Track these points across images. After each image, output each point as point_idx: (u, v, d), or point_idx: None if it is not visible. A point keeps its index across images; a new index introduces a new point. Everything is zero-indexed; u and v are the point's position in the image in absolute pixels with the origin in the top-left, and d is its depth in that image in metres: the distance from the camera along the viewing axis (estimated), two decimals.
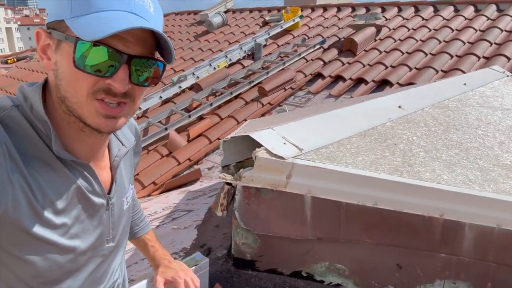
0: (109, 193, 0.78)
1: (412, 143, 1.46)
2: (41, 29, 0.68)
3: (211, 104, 4.32)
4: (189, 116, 4.20)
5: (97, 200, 0.74)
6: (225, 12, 8.32)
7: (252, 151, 1.18)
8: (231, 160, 1.29)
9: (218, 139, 4.15)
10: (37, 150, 0.66)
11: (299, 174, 1.16)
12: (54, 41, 0.67)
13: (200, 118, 4.33)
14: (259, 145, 1.18)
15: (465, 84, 2.34)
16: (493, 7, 5.40)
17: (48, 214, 0.65)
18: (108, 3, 0.64)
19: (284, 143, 1.20)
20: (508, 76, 2.59)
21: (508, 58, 4.06)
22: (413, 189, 1.19)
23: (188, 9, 9.62)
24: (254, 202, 1.20)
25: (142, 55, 0.67)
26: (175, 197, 3.04)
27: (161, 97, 4.78)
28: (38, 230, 0.64)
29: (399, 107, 1.73)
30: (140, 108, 4.68)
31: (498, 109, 2.05)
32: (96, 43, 0.63)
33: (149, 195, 3.46)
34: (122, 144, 0.83)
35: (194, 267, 1.12)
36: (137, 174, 3.70)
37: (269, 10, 7.93)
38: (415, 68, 4.36)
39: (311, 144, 1.25)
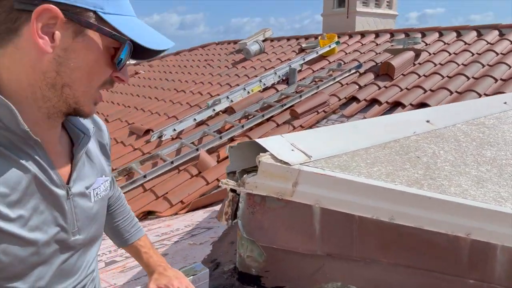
0: (68, 182, 0.75)
1: (438, 157, 1.34)
2: (54, 7, 0.60)
3: (242, 126, 4.33)
4: (220, 138, 4.23)
5: (55, 189, 0.70)
6: (263, 40, 8.51)
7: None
8: (237, 167, 1.24)
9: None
10: None
11: (306, 182, 1.09)
12: (72, 26, 0.63)
13: (231, 139, 4.34)
14: (266, 151, 1.12)
15: (505, 103, 2.17)
16: None
17: (2, 208, 0.62)
18: (129, 9, 0.70)
19: (292, 150, 1.14)
20: None
21: None
22: (435, 203, 1.08)
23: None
24: (259, 211, 1.14)
25: None
26: (199, 215, 3.01)
27: (195, 119, 4.89)
28: None
29: (427, 121, 1.62)
30: (174, 130, 4.79)
31: None
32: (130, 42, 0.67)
33: (176, 213, 3.46)
34: (83, 133, 0.80)
35: (192, 277, 1.06)
36: (166, 193, 3.74)
37: (306, 37, 8.01)
38: (456, 91, 4.16)
39: (322, 152, 1.18)
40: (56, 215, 0.71)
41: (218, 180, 3.80)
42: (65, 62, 0.64)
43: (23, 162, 0.65)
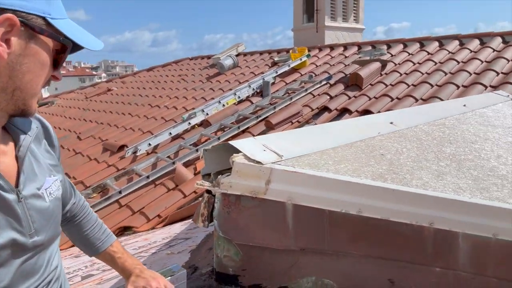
0: (17, 185, 0.74)
1: (400, 154, 1.42)
2: (11, 15, 0.62)
3: (218, 138, 4.37)
4: (197, 150, 4.25)
5: (4, 194, 0.70)
6: (237, 55, 8.63)
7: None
8: (212, 169, 1.28)
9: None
10: None
11: (278, 180, 1.14)
12: (25, 32, 0.65)
13: None
14: (239, 153, 1.17)
15: (464, 105, 2.31)
16: (499, 39, 5.43)
17: None
18: (64, 12, 0.73)
19: (264, 150, 1.20)
20: None
21: None
22: (398, 195, 1.15)
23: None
24: (234, 210, 1.18)
25: None
26: (177, 228, 3.00)
27: (170, 133, 4.88)
28: None
29: (391, 123, 1.71)
30: (149, 144, 4.77)
31: (499, 127, 2.00)
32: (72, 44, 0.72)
33: (153, 228, 3.43)
34: (25, 134, 0.80)
35: (170, 277, 1.08)
36: (142, 208, 3.70)
37: (278, 51, 8.19)
38: (421, 99, 4.35)
39: (292, 152, 1.24)
40: (10, 220, 0.70)
41: (195, 192, 3.80)
42: (17, 66, 0.66)
43: None
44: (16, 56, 0.65)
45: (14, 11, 0.63)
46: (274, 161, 1.15)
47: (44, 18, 0.68)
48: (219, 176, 1.15)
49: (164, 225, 3.39)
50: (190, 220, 3.27)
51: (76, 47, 0.74)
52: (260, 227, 1.19)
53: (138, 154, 4.69)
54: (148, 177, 4.00)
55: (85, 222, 1.04)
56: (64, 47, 0.72)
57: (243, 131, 4.63)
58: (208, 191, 1.20)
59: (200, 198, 1.10)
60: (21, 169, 0.75)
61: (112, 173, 4.44)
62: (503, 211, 1.16)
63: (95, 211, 1.15)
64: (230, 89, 6.25)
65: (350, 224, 1.18)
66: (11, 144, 0.77)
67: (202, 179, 1.24)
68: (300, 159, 1.22)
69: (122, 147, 4.97)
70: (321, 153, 1.29)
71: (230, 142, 1.21)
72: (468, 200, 1.17)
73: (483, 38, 5.65)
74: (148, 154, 4.77)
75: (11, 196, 0.71)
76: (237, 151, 1.18)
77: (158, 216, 3.56)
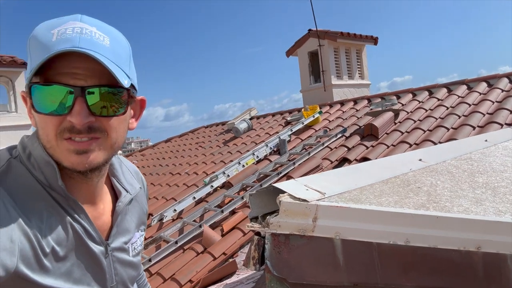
0: (107, 239, 0.79)
1: (436, 186, 1.47)
2: (22, 91, 0.72)
3: (242, 198, 4.42)
4: (222, 211, 4.28)
5: (94, 246, 0.74)
6: (250, 119, 8.95)
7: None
8: (258, 213, 1.34)
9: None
10: (39, 198, 0.68)
11: (324, 216, 1.19)
12: (29, 99, 0.69)
13: (233, 212, 4.39)
14: (283, 193, 1.24)
15: (486, 140, 2.37)
16: (505, 80, 5.59)
17: (52, 263, 0.66)
18: (56, 46, 0.65)
19: (307, 189, 1.26)
20: None
21: None
22: (443, 221, 1.18)
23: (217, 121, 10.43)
24: (284, 250, 1.21)
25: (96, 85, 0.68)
26: None
27: (194, 197, 4.95)
28: (44, 280, 0.65)
29: (420, 160, 1.78)
30: (175, 210, 4.83)
31: None
32: (47, 83, 0.66)
33: None
34: (127, 191, 0.85)
35: None
36: (173, 274, 3.66)
37: (290, 111, 8.48)
38: (440, 142, 4.41)
39: (333, 190, 1.30)
40: (96, 270, 0.74)
41: (224, 254, 3.77)
42: (36, 127, 0.72)
43: (67, 219, 0.70)
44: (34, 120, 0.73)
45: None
46: (318, 199, 1.22)
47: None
48: (267, 217, 1.21)
49: None
50: (223, 282, 3.22)
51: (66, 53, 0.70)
52: (311, 265, 1.21)
53: (164, 221, 4.73)
54: (176, 242, 4.00)
55: None
56: None
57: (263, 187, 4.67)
58: (257, 233, 1.25)
59: (247, 227, 1.16)
60: (114, 223, 0.81)
61: None
62: None
63: None
64: (248, 151, 6.41)
65: (399, 255, 1.20)
66: (111, 198, 0.83)
67: (250, 222, 1.30)
68: (342, 195, 1.28)
69: (148, 216, 5.03)
70: (360, 189, 1.35)
71: (273, 184, 1.28)
72: (510, 221, 1.19)
73: (490, 81, 5.82)
74: (173, 220, 4.81)
75: (100, 248, 0.76)
76: (281, 192, 1.25)
77: (190, 281, 3.51)
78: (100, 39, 0.68)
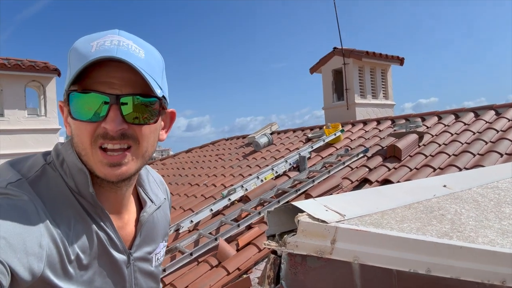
0: (130, 248, 0.80)
1: (460, 214, 1.42)
2: (60, 101, 0.76)
3: (259, 213, 4.39)
4: (238, 226, 4.26)
5: (117, 254, 0.76)
6: (271, 133, 8.96)
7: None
8: (276, 231, 1.33)
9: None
10: (68, 205, 0.70)
11: (343, 239, 1.17)
12: (66, 107, 0.74)
13: (249, 227, 4.36)
14: (302, 213, 1.23)
15: None
16: None
17: (76, 270, 0.67)
18: (94, 56, 0.68)
19: (326, 210, 1.24)
20: None
21: None
22: (466, 252, 1.14)
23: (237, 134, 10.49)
24: (301, 271, 1.19)
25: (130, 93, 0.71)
26: None
27: (211, 209, 4.96)
28: (67, 286, 0.66)
29: (444, 186, 1.73)
30: (191, 221, 4.84)
31: None
32: (85, 91, 0.69)
33: None
34: (152, 201, 0.87)
35: None
36: (186, 286, 3.65)
37: (311, 128, 8.45)
38: (465, 168, 4.28)
39: (353, 212, 1.27)
40: (117, 279, 0.75)
41: (239, 269, 3.74)
42: (71, 134, 0.74)
43: (93, 227, 0.72)
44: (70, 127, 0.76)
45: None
46: (337, 220, 1.20)
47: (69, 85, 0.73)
48: (285, 236, 1.19)
49: None
50: None
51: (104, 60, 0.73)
52: None
53: (180, 231, 4.75)
54: (191, 254, 4.00)
55: None
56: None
57: (282, 205, 4.64)
58: (273, 252, 1.23)
59: (265, 260, 1.14)
60: (138, 233, 0.82)
61: None
62: None
63: None
64: (267, 165, 6.40)
65: (420, 284, 1.16)
66: (136, 208, 0.85)
67: (267, 239, 1.29)
68: (362, 218, 1.25)
69: None
70: (382, 213, 1.32)
71: (292, 203, 1.27)
72: None
73: None
74: (190, 231, 4.82)
75: (122, 257, 0.77)
76: (300, 211, 1.24)
77: None
78: (136, 51, 0.71)
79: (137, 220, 0.86)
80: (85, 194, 0.72)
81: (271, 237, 1.32)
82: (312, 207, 1.24)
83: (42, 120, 9.08)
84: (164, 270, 3.85)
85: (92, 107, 0.69)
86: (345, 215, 1.23)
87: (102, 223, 0.75)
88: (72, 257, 0.67)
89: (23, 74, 8.54)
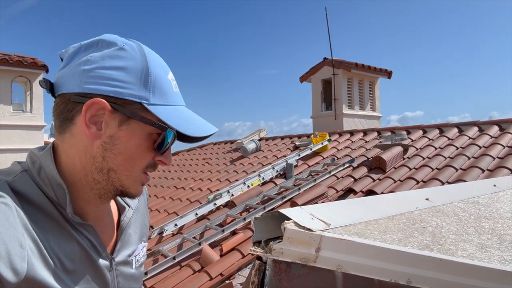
0: (112, 253, 0.80)
1: (441, 227, 1.46)
2: (102, 100, 0.68)
3: (244, 219, 4.39)
4: (223, 231, 4.26)
5: (100, 260, 0.76)
6: (259, 140, 8.99)
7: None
8: (262, 237, 1.34)
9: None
10: (47, 214, 0.68)
11: (328, 247, 1.19)
12: (118, 116, 0.70)
13: (234, 232, 4.36)
14: (288, 220, 1.25)
15: (495, 185, 2.36)
16: None
17: (60, 273, 0.67)
18: (175, 99, 0.75)
19: (312, 219, 1.27)
20: None
21: None
22: (447, 265, 1.18)
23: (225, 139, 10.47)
24: (285, 278, 1.21)
25: None
26: None
27: (196, 213, 4.94)
28: (52, 284, 0.65)
29: (427, 199, 1.77)
30: (176, 225, 4.81)
31: None
32: (172, 130, 0.72)
33: None
34: (128, 206, 0.88)
35: None
36: None
37: (299, 136, 8.51)
38: (447, 182, 4.38)
39: (338, 221, 1.30)
40: (99, 284, 0.75)
41: (222, 274, 3.73)
42: (110, 148, 0.70)
43: (77, 236, 0.72)
44: (108, 137, 0.70)
45: (107, 96, 0.68)
46: (322, 229, 1.22)
47: (141, 103, 0.70)
48: (271, 243, 1.21)
49: None
50: None
51: (193, 137, 0.75)
52: None
53: (164, 234, 4.71)
54: (174, 258, 3.97)
55: None
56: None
57: (269, 211, 4.65)
58: (259, 258, 1.25)
59: (249, 266, 1.15)
60: (119, 238, 0.83)
61: None
62: None
63: None
64: (254, 171, 6.42)
65: None
66: (116, 214, 0.86)
67: (253, 245, 1.30)
68: (347, 228, 1.28)
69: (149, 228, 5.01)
70: (366, 224, 1.35)
71: (279, 210, 1.29)
72: None
73: (502, 125, 5.81)
74: (173, 235, 4.79)
75: (105, 263, 0.77)
76: (287, 218, 1.26)
77: None
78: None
79: (118, 224, 0.86)
80: (65, 207, 0.71)
81: (257, 243, 1.33)
82: (298, 215, 1.26)
83: (28, 117, 8.92)
84: (146, 273, 3.81)
85: (169, 144, 0.74)
86: (330, 224, 1.26)
87: (86, 232, 0.74)
88: (55, 260, 0.67)
89: (10, 69, 8.39)
